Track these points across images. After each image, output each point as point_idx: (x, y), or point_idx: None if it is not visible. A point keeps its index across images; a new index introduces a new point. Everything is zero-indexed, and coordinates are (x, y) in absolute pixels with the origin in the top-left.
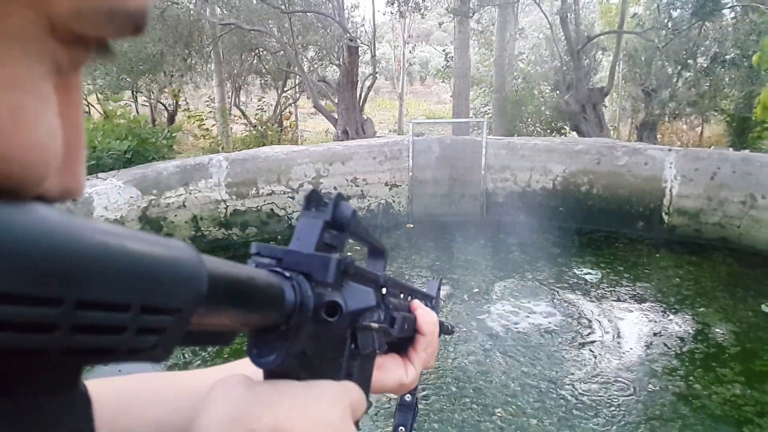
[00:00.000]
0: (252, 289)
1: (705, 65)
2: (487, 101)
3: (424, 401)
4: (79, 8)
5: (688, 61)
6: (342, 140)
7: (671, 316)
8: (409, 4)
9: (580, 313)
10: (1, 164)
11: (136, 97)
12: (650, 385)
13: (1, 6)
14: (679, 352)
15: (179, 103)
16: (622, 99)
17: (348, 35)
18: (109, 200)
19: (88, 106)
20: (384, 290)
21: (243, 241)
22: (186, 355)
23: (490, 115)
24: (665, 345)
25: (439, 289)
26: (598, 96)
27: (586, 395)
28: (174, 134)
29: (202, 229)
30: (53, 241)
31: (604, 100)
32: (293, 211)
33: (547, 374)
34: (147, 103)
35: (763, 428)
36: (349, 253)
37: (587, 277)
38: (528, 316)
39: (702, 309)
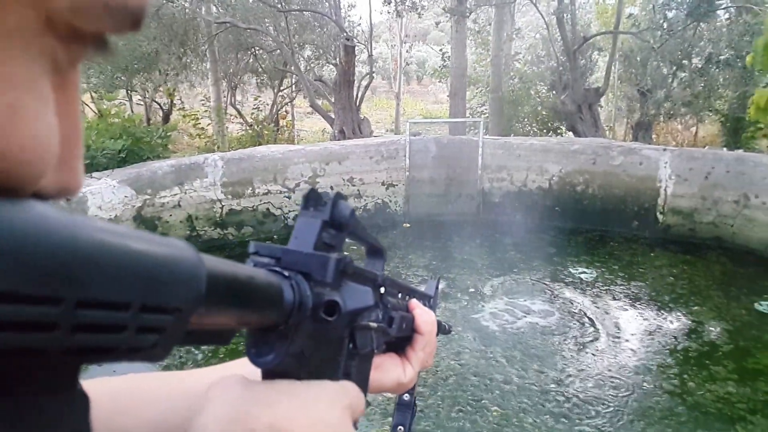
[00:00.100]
0: (251, 288)
1: (700, 66)
2: (483, 101)
3: (420, 399)
4: (77, 3)
5: (683, 61)
6: (339, 140)
7: (666, 315)
8: (406, 4)
9: (575, 312)
10: None
11: (131, 95)
12: (645, 383)
13: (1, 4)
14: (673, 350)
15: (174, 102)
16: (618, 99)
17: (345, 34)
18: (104, 200)
19: (82, 104)
20: (382, 290)
21: (239, 241)
22: (181, 356)
23: (487, 114)
24: (659, 343)
25: (437, 288)
26: (594, 96)
27: (582, 393)
28: (169, 133)
29: (198, 228)
30: (53, 239)
31: (599, 100)
32: (289, 211)
33: (542, 373)
34: (142, 102)
35: (755, 425)
36: (345, 253)
37: (582, 276)
38: (524, 315)
39: (696, 307)
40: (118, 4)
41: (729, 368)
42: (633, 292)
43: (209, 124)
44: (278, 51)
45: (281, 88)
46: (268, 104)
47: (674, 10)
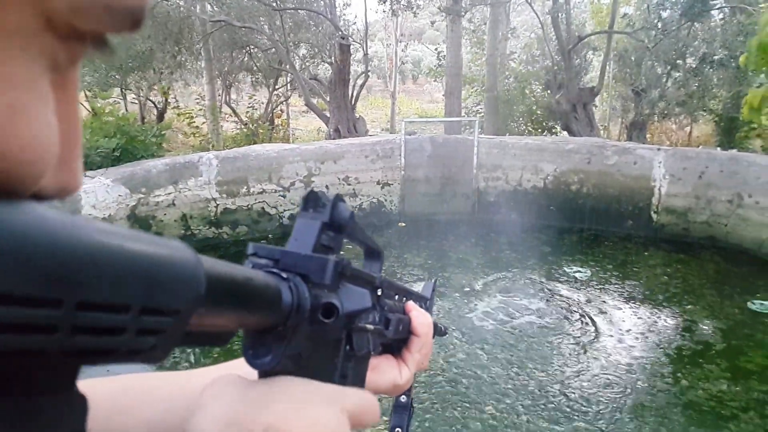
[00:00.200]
0: (249, 290)
1: (694, 65)
2: (479, 100)
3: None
4: (77, 3)
5: (678, 61)
6: (334, 139)
7: (659, 314)
8: (401, 3)
9: (569, 311)
10: None
11: (125, 94)
12: (639, 382)
13: (0, 4)
14: (666, 348)
15: (169, 100)
16: (613, 99)
17: (340, 33)
18: (97, 199)
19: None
20: (379, 292)
21: (233, 240)
22: (175, 356)
23: (482, 114)
24: (653, 342)
25: (433, 290)
26: (588, 96)
27: (576, 392)
28: (163, 132)
29: (192, 227)
30: (53, 241)
31: (594, 100)
32: (284, 210)
33: (537, 371)
34: (136, 101)
35: (747, 423)
36: (342, 252)
37: (577, 275)
38: (518, 314)
39: (690, 306)
40: (119, 3)
41: (722, 367)
42: (627, 290)
43: (204, 123)
44: (273, 49)
45: (276, 86)
46: (263, 103)
47: (669, 10)
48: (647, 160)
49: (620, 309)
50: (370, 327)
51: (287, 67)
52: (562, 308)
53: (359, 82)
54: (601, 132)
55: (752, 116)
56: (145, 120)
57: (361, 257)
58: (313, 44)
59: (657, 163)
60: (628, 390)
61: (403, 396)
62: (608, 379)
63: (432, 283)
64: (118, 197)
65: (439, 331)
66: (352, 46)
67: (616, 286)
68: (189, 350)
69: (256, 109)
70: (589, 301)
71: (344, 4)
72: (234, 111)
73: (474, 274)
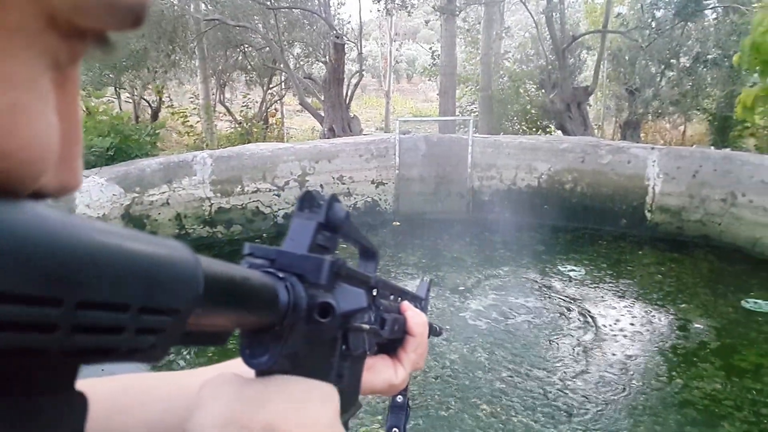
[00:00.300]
0: (247, 289)
1: (687, 65)
2: (473, 99)
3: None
4: (80, 1)
5: (671, 60)
6: (328, 138)
7: (654, 313)
8: (396, 2)
9: (564, 310)
10: None
11: (119, 93)
12: (633, 381)
13: (2, 2)
14: (661, 347)
15: (163, 99)
16: (607, 98)
17: (334, 32)
18: (92, 198)
19: None
20: (375, 291)
21: (228, 239)
22: (170, 356)
23: (477, 113)
24: (647, 340)
25: (428, 290)
26: (582, 95)
27: (570, 390)
28: (157, 131)
29: (186, 227)
30: (54, 240)
31: (588, 99)
32: (279, 209)
33: (531, 370)
34: (130, 100)
35: (742, 422)
36: (336, 252)
37: (571, 273)
38: (512, 313)
39: (684, 305)
40: (121, 1)
41: (716, 365)
42: (621, 289)
43: (198, 122)
44: (267, 48)
45: (270, 85)
46: (257, 102)
47: (662, 10)
48: (641, 159)
49: (614, 308)
50: (366, 327)
51: (281, 66)
52: (556, 307)
53: (354, 81)
54: (595, 131)
55: (746, 115)
56: (139, 119)
57: (355, 257)
58: (308, 43)
59: (651, 162)
60: (623, 388)
61: (400, 396)
62: (602, 377)
63: (427, 283)
64: (113, 196)
65: (434, 331)
66: (346, 45)
67: (610, 284)
68: (184, 350)
69: (250, 108)
70: (583, 299)
71: (339, 3)
72: (228, 110)
73: (468, 273)
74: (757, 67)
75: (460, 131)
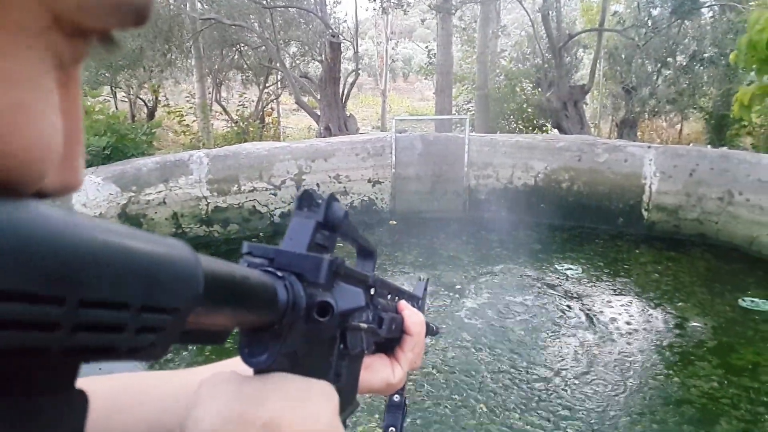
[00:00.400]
0: (246, 288)
1: (684, 63)
2: (469, 98)
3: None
4: (85, 1)
5: (668, 59)
6: (324, 137)
7: (651, 311)
8: (392, 1)
9: (560, 309)
10: (2, 161)
11: (115, 92)
12: (630, 379)
13: (6, 1)
14: (658, 346)
15: (159, 98)
16: (603, 96)
17: (330, 31)
18: (88, 197)
19: None
20: (373, 291)
21: (224, 238)
22: (168, 355)
23: (473, 112)
24: (644, 339)
25: (425, 290)
26: (579, 93)
27: (567, 390)
28: (154, 130)
29: (183, 226)
30: (56, 239)
31: (585, 98)
32: (275, 208)
33: (528, 368)
34: (126, 99)
35: (739, 420)
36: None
37: (568, 272)
38: (509, 311)
39: (681, 304)
40: (124, 1)
41: (713, 364)
42: (618, 288)
43: (194, 121)
44: (263, 47)
45: (267, 84)
46: (253, 101)
47: (659, 8)
48: (638, 157)
49: (611, 306)
50: (364, 326)
51: (277, 65)
52: (553, 305)
53: (350, 80)
54: (592, 130)
55: (742, 114)
56: (136, 118)
57: (352, 255)
58: (304, 42)
59: (648, 161)
60: (620, 387)
61: (397, 395)
62: (600, 376)
63: (424, 282)
64: (109, 195)
65: (431, 331)
66: (342, 44)
67: (607, 283)
68: (182, 349)
69: (246, 107)
70: (580, 298)
71: (334, 2)
72: (224, 109)
73: (465, 272)
74: (754, 66)
75: (456, 130)
